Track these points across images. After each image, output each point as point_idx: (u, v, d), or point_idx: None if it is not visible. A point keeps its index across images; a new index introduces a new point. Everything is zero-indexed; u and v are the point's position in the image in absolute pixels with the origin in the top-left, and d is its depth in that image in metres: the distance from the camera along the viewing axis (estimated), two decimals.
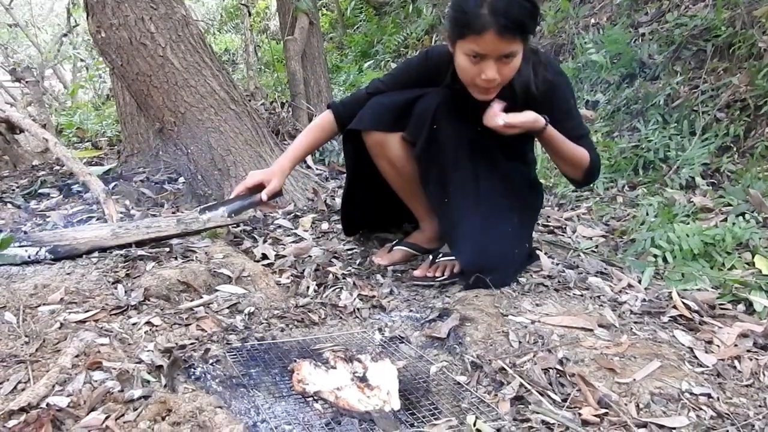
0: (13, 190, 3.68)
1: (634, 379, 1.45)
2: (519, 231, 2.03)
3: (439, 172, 1.99)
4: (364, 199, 2.28)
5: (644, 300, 1.91)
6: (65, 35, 8.54)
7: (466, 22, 1.69)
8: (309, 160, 3.63)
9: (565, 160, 1.94)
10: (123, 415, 1.27)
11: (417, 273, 2.08)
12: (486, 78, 1.74)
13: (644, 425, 1.30)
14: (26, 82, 6.13)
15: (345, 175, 2.38)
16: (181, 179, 3.54)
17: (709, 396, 1.41)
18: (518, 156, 2.09)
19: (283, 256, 2.27)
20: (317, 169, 3.64)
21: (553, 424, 1.30)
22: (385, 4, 8.36)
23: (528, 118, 1.78)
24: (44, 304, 1.74)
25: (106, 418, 1.25)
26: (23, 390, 1.34)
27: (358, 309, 1.91)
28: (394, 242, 2.28)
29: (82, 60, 9.16)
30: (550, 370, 1.50)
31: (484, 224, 1.93)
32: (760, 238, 2.30)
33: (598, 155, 1.98)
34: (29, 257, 2.05)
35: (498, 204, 1.97)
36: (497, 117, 1.76)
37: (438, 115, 1.93)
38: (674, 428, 1.30)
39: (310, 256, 2.27)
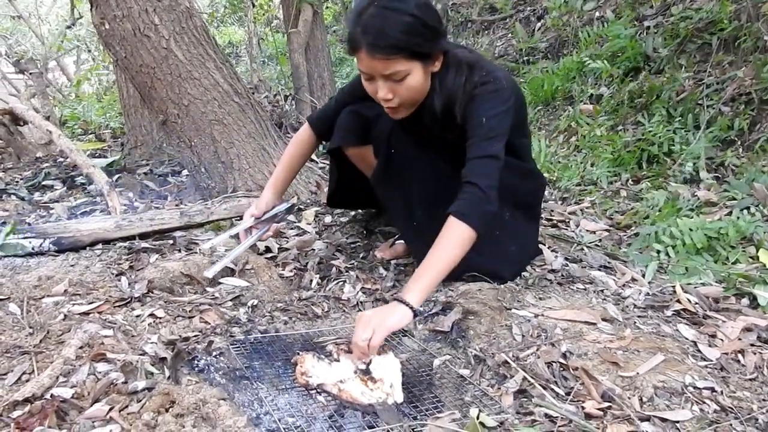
0: (17, 182, 3.69)
1: (638, 373, 1.45)
2: (513, 226, 1.99)
3: (403, 193, 1.96)
4: (356, 190, 2.30)
5: (648, 294, 1.91)
6: (69, 27, 8.52)
7: (348, 41, 1.67)
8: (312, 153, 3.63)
9: (459, 256, 1.62)
10: (127, 406, 1.28)
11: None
12: (380, 97, 1.69)
13: (647, 419, 1.30)
14: (30, 73, 6.14)
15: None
16: (185, 172, 3.55)
17: (712, 390, 1.41)
18: None
19: (287, 249, 2.27)
20: (320, 162, 3.64)
21: (557, 417, 1.30)
22: None
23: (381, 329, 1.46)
24: (48, 296, 1.74)
25: (110, 409, 1.26)
26: (27, 381, 1.34)
27: (361, 302, 1.91)
28: (397, 236, 2.28)
29: (88, 51, 9.15)
30: (554, 363, 1.50)
31: None
32: (764, 232, 2.29)
33: (488, 187, 1.64)
34: (33, 249, 2.06)
35: None
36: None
37: (393, 139, 1.92)
38: (677, 422, 1.30)
39: (313, 250, 2.27)
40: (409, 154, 1.92)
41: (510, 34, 5.84)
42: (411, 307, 1.50)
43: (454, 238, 1.61)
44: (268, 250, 2.26)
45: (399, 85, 1.66)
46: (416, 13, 1.59)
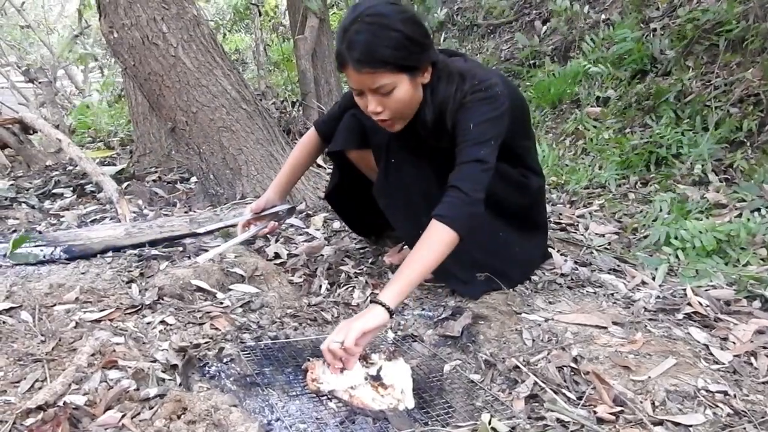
0: (27, 190, 3.71)
1: (650, 377, 1.44)
2: (516, 230, 1.99)
3: (406, 203, 1.94)
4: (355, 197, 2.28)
5: (658, 297, 1.90)
6: (77, 36, 8.58)
7: (335, 57, 1.67)
8: (319, 159, 3.64)
9: (439, 260, 1.61)
10: (139, 413, 1.28)
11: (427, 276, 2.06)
12: (370, 111, 1.69)
13: (660, 423, 1.29)
14: (39, 82, 6.18)
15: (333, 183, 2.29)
16: (193, 179, 3.56)
17: (725, 393, 1.40)
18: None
19: (296, 255, 2.28)
20: (328, 168, 3.64)
21: (569, 422, 1.30)
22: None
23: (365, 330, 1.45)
24: (60, 304, 1.75)
25: (122, 416, 1.26)
26: (40, 389, 1.35)
27: None
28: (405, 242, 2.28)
29: (96, 59, 9.21)
30: (565, 368, 1.50)
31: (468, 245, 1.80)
32: None
33: (471, 190, 1.62)
34: (44, 257, 2.07)
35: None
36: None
37: (391, 149, 1.91)
38: (690, 426, 1.29)
39: (322, 255, 2.27)
40: (408, 163, 1.91)
41: (515, 38, 5.84)
42: (386, 307, 1.48)
43: (434, 241, 1.60)
44: (277, 256, 2.27)
45: (387, 98, 1.66)
46: (401, 28, 1.59)
